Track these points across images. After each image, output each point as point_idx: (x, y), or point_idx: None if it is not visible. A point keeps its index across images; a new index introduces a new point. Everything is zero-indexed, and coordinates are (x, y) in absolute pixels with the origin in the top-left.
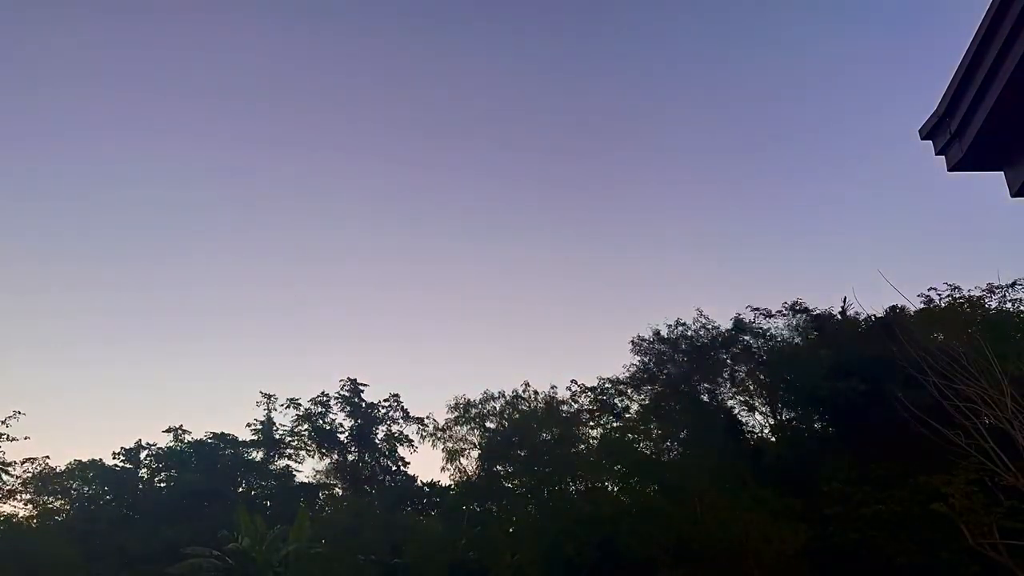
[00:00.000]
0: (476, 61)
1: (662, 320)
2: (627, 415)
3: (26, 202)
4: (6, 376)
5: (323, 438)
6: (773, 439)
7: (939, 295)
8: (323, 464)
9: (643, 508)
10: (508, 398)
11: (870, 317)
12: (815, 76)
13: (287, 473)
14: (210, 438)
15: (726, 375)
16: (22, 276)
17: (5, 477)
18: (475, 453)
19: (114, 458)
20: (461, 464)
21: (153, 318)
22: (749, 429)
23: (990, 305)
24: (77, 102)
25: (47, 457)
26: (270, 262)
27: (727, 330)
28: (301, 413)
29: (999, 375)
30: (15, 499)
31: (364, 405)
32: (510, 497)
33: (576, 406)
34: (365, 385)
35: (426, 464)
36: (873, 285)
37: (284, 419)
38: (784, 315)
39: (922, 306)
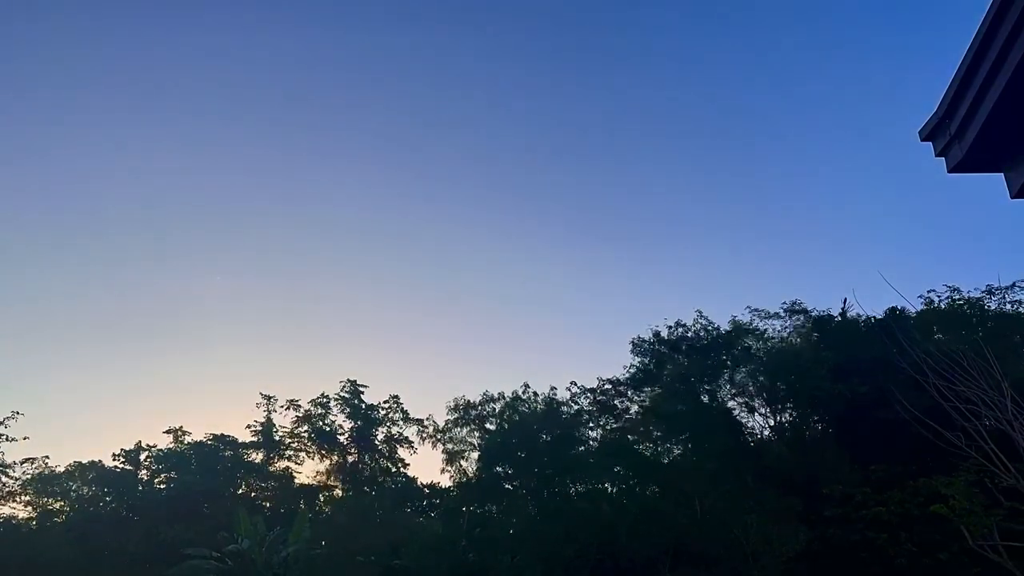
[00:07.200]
0: (478, 62)
1: (662, 321)
2: (627, 416)
3: (26, 202)
4: (6, 376)
5: (323, 439)
6: (773, 440)
7: (939, 296)
8: (323, 465)
9: (643, 510)
10: (508, 399)
11: (870, 319)
12: (815, 77)
13: (287, 474)
14: (210, 439)
15: (726, 376)
16: (22, 276)
17: (5, 478)
18: (475, 454)
19: (114, 459)
20: (461, 465)
21: (153, 319)
22: (749, 430)
23: (990, 307)
24: (79, 101)
25: (47, 458)
26: (270, 263)
27: (727, 331)
28: (301, 414)
29: (999, 377)
30: (15, 500)
31: (364, 406)
32: (510, 498)
33: (576, 407)
34: (365, 386)
35: (426, 465)
36: (873, 286)
37: (284, 420)
38: (784, 316)
39: (922, 307)
